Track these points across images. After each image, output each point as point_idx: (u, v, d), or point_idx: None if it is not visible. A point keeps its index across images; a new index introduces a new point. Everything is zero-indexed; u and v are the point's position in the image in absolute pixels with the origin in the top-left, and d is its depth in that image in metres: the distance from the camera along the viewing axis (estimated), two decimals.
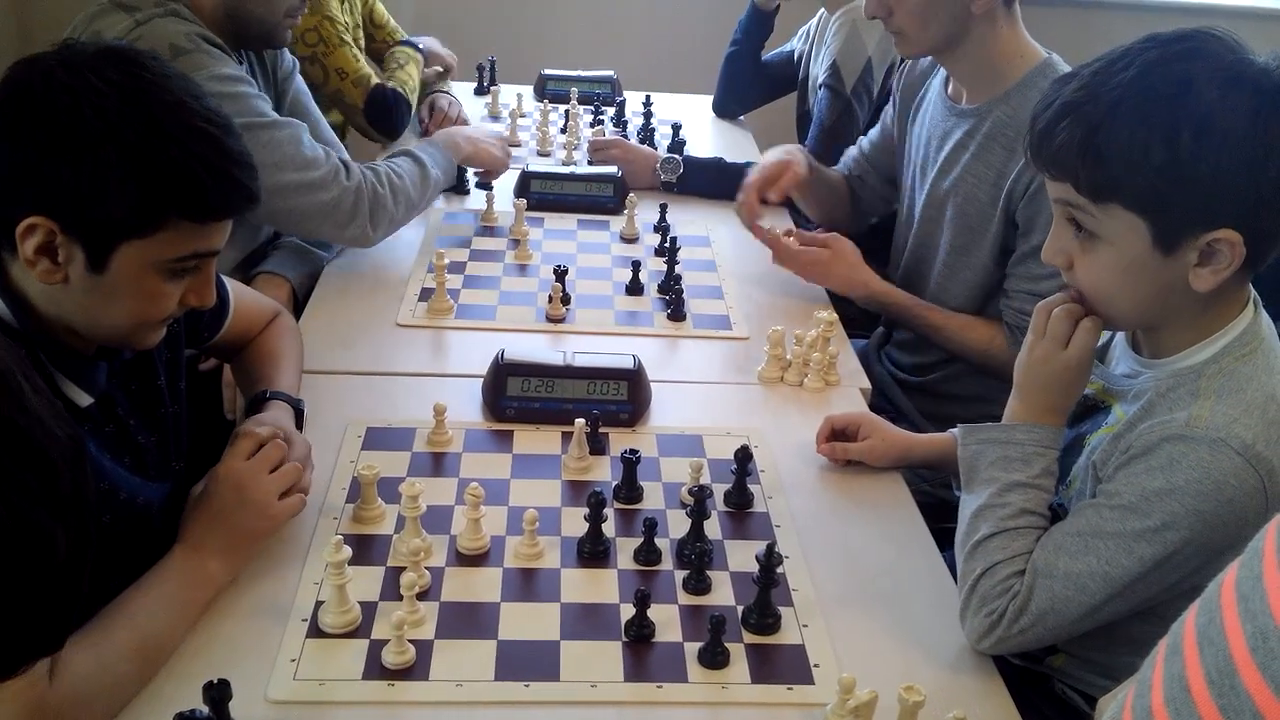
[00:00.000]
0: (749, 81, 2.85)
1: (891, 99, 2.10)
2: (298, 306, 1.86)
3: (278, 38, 1.86)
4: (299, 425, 1.41)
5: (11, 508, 0.59)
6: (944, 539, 1.43)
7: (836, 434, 1.50)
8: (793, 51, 2.77)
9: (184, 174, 1.08)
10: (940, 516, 1.58)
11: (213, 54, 1.68)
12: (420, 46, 2.67)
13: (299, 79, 2.05)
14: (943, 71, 1.92)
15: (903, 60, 2.07)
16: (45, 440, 0.63)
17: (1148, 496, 1.09)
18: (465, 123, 2.65)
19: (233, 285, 1.51)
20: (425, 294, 1.86)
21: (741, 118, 2.96)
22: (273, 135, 1.72)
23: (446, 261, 1.83)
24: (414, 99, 2.52)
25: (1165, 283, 1.11)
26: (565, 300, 1.83)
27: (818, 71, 2.51)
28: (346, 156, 2.06)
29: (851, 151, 2.21)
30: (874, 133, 2.17)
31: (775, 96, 2.90)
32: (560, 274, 1.83)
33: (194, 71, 1.59)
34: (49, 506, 0.61)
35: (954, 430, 1.47)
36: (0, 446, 0.60)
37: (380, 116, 2.43)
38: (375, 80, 2.43)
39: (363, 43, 2.64)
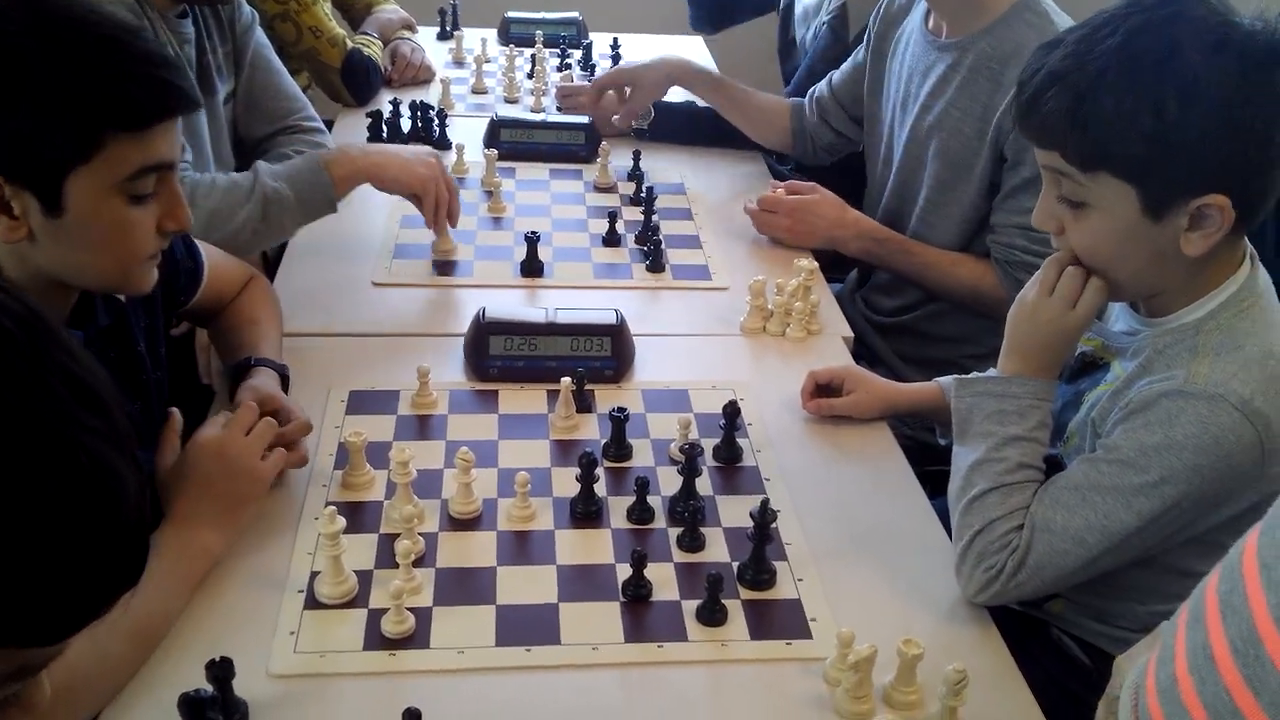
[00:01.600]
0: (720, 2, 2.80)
1: (866, 36, 2.07)
2: (269, 267, 1.83)
3: None
4: (284, 390, 1.39)
5: (89, 453, 0.60)
6: (928, 482, 1.44)
7: (820, 389, 1.50)
8: None
9: (103, 85, 1.04)
10: (924, 459, 1.59)
11: None
12: (375, 34, 2.60)
13: (259, 32, 1.98)
14: (922, 6, 1.90)
15: None
16: (95, 382, 0.63)
17: (1146, 451, 1.10)
18: (430, 69, 2.60)
19: (206, 249, 1.47)
20: (400, 251, 1.83)
21: (714, 43, 2.90)
22: None
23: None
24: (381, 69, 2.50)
25: (1157, 248, 1.12)
26: (539, 270, 1.79)
27: (811, 3, 2.45)
28: (313, 112, 2.01)
29: (820, 87, 2.17)
30: (845, 69, 2.12)
31: (752, 17, 2.83)
32: (532, 240, 1.78)
33: None
34: (114, 446, 0.62)
35: (940, 380, 1.48)
36: (64, 391, 0.60)
37: (355, 79, 2.39)
38: (350, 43, 2.38)
39: (329, 1, 2.57)
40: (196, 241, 1.44)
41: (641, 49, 2.83)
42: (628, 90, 2.25)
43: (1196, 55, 1.04)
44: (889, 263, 1.93)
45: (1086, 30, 1.10)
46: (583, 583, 1.20)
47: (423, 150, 1.82)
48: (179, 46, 1.73)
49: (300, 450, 1.30)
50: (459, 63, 2.73)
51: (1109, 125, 1.06)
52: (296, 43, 2.31)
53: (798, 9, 2.54)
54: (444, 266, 1.80)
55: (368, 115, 2.23)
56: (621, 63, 2.17)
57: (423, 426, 1.44)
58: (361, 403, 1.47)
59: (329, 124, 2.19)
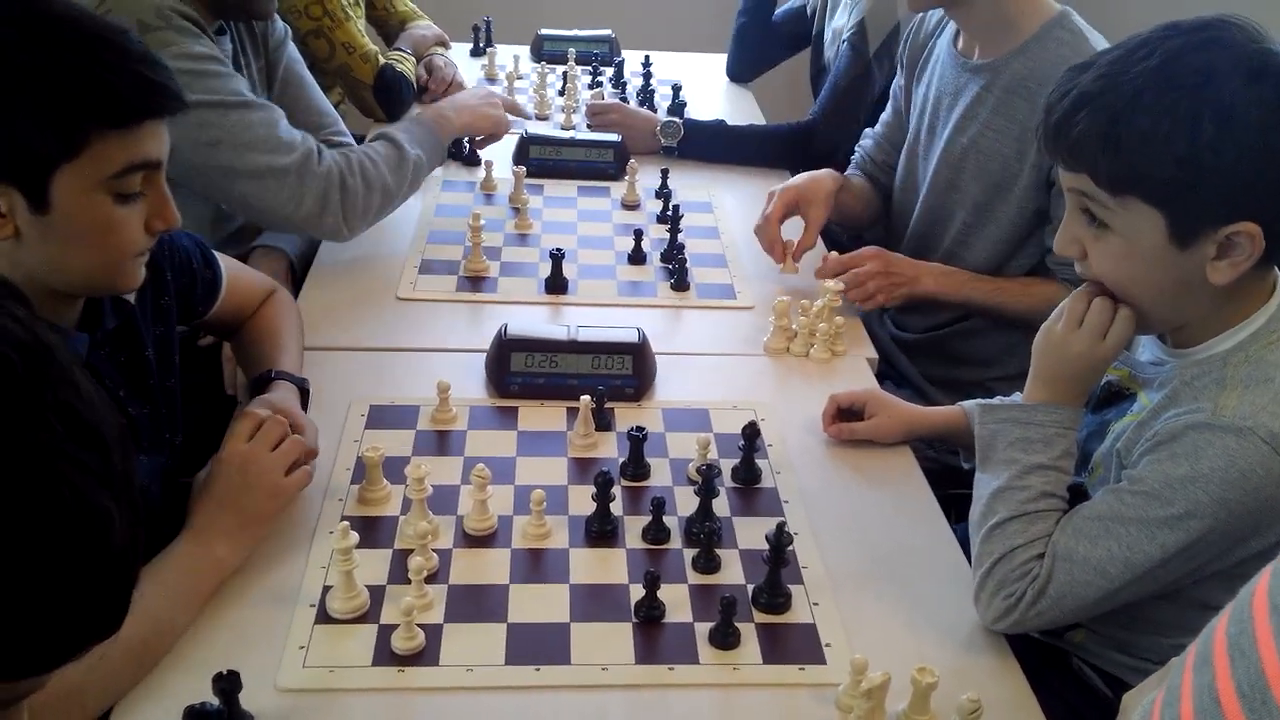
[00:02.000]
0: (763, 46, 2.80)
1: (897, 66, 2.06)
2: (296, 281, 1.84)
3: (259, 8, 1.80)
4: (304, 404, 1.39)
5: (75, 489, 0.59)
6: (951, 505, 1.42)
7: (842, 412, 1.49)
8: (804, 6, 2.71)
9: (90, 81, 1.06)
10: (948, 483, 1.57)
11: (183, 30, 1.62)
12: (408, 50, 2.62)
13: (292, 47, 2.00)
14: (950, 28, 1.88)
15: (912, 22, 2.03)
16: (97, 420, 0.62)
17: (1171, 484, 1.08)
18: (461, 84, 2.62)
19: (225, 260, 1.49)
20: (426, 266, 1.84)
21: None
22: (244, 115, 1.65)
23: (482, 222, 1.83)
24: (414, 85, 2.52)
25: (1181, 276, 1.10)
26: (563, 287, 1.79)
27: (839, 25, 2.45)
28: (318, 143, 2.02)
29: (867, 136, 2.14)
30: (887, 112, 2.11)
31: (791, 54, 2.84)
32: (557, 257, 1.79)
33: (160, 49, 1.52)
34: (106, 486, 0.61)
35: (964, 404, 1.46)
36: (59, 424, 0.59)
37: (387, 95, 2.41)
38: (382, 59, 2.41)
39: (363, 16, 2.60)
40: (215, 254, 1.46)
41: (673, 67, 2.85)
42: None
43: (1234, 81, 1.02)
44: (963, 292, 1.84)
45: (1121, 52, 1.09)
46: (595, 602, 1.19)
47: (483, 93, 2.19)
48: None
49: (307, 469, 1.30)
50: (491, 79, 2.74)
51: (1143, 147, 1.05)
52: (329, 59, 2.33)
53: (827, 33, 2.54)
54: (469, 282, 1.81)
55: None
56: (781, 186, 1.91)
57: (442, 442, 1.43)
58: (381, 417, 1.47)
59: (359, 139, 2.21)
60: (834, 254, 1.93)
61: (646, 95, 2.61)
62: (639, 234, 1.91)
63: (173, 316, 1.36)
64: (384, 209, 1.82)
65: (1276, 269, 1.15)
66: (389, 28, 2.77)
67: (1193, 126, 1.02)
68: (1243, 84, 1.02)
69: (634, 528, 1.30)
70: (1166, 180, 1.05)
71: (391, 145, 1.83)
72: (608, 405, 1.49)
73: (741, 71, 2.87)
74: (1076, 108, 1.09)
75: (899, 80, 2.06)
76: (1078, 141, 1.09)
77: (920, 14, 1.97)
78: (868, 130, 2.15)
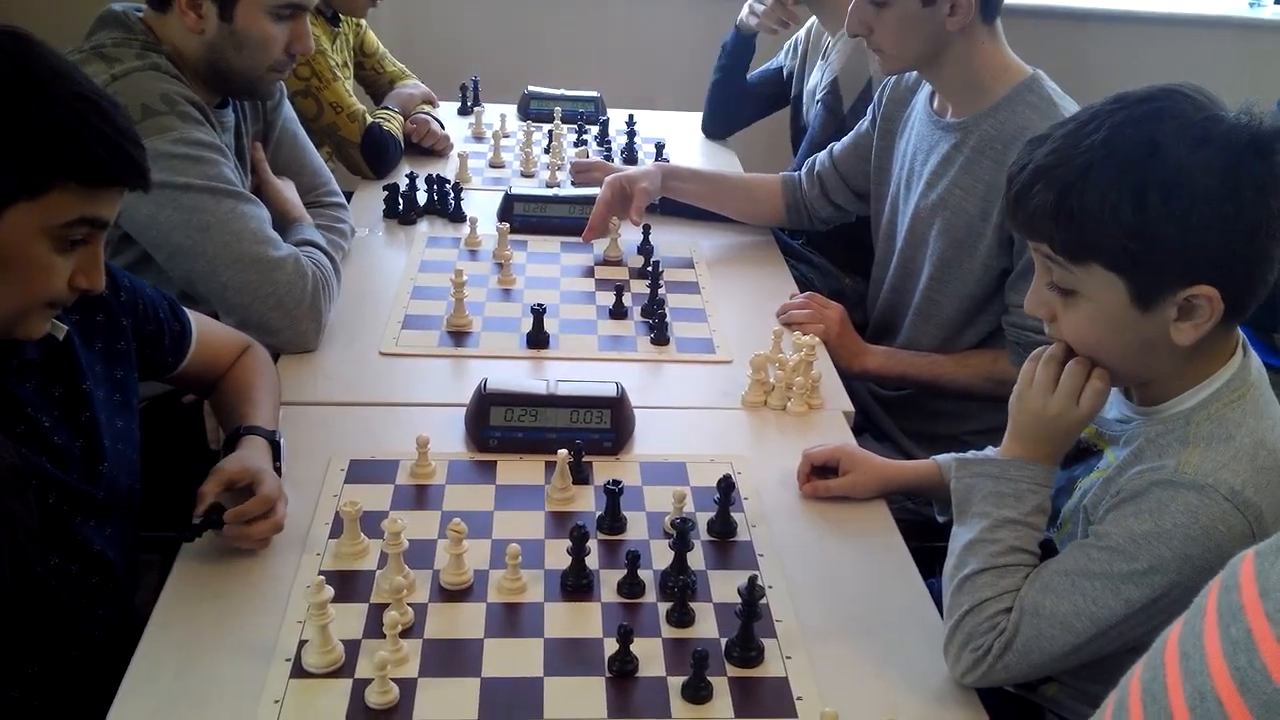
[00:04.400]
0: (737, 104, 2.86)
1: (871, 111, 2.11)
2: None
3: (262, 91, 1.84)
4: (277, 456, 1.41)
5: None
6: (929, 558, 1.43)
7: (817, 469, 1.50)
8: (780, 68, 2.77)
9: (73, 135, 1.08)
10: (925, 535, 1.59)
11: (186, 117, 1.65)
12: (396, 109, 2.66)
13: (288, 107, 2.04)
14: (928, 86, 1.93)
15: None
16: None
17: (1135, 539, 1.09)
18: (448, 142, 2.66)
19: (196, 316, 1.51)
20: (409, 321, 1.86)
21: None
22: (236, 205, 1.67)
23: (465, 278, 1.85)
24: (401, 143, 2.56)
25: (1147, 337, 1.12)
26: (544, 342, 1.82)
27: (815, 86, 2.50)
28: (335, 187, 2.06)
29: (819, 157, 2.21)
30: (846, 143, 2.16)
31: (765, 114, 2.90)
32: (539, 312, 1.82)
33: (159, 133, 1.59)
34: None
35: (938, 458, 1.48)
36: None
37: (375, 153, 2.45)
38: (370, 118, 2.45)
39: (351, 76, 2.65)
40: (185, 309, 1.48)
41: (656, 126, 2.89)
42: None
43: (1180, 150, 1.05)
44: (900, 369, 1.94)
45: (1072, 126, 1.12)
46: (569, 657, 1.20)
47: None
48: (221, 135, 1.78)
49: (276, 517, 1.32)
50: (478, 137, 2.79)
51: (1093, 219, 1.08)
52: (317, 118, 2.37)
53: (805, 95, 2.59)
54: (451, 337, 1.83)
55: (384, 189, 2.28)
56: (616, 173, 2.20)
57: (420, 497, 1.45)
58: (361, 472, 1.48)
59: (348, 195, 2.25)
60: (810, 294, 1.99)
61: (630, 153, 2.65)
62: (620, 289, 1.93)
63: (131, 361, 1.37)
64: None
65: (1239, 329, 1.18)
66: (378, 87, 2.82)
67: (1139, 198, 1.05)
68: (1188, 153, 1.05)
69: (610, 581, 1.30)
70: (1119, 249, 1.08)
71: (325, 253, 1.83)
72: (586, 459, 1.50)
73: (716, 128, 2.93)
74: (1032, 182, 1.12)
75: (866, 121, 2.11)
76: (1034, 214, 1.12)
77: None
78: (834, 144, 2.20)
